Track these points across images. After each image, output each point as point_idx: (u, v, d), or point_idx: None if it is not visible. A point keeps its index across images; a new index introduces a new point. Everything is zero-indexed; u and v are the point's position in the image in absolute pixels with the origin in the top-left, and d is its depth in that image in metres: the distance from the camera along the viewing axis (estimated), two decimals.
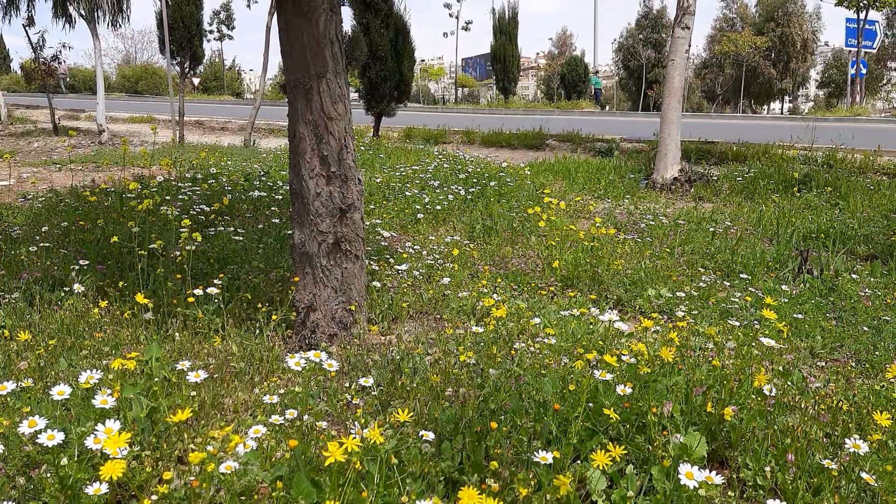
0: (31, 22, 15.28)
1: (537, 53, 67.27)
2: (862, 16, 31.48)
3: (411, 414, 2.32)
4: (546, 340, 3.15)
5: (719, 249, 5.63)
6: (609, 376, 2.44)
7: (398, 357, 3.17)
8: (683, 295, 4.45)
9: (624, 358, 2.64)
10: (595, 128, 14.84)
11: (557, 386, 2.58)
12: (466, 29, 42.26)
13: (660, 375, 2.63)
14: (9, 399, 2.33)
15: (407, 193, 7.44)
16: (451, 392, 2.78)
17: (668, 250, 5.57)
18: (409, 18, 13.48)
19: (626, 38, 42.96)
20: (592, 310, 3.75)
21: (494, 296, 4.21)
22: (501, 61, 35.01)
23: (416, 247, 5.39)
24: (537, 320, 3.57)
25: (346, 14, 14.32)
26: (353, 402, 2.60)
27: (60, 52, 16.91)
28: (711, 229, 6.33)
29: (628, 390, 2.41)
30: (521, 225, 6.31)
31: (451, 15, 39.67)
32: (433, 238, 5.92)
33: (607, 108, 35.77)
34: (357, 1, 12.68)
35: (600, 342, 3.18)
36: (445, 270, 4.80)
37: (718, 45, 41.46)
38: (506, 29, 34.76)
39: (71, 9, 14.54)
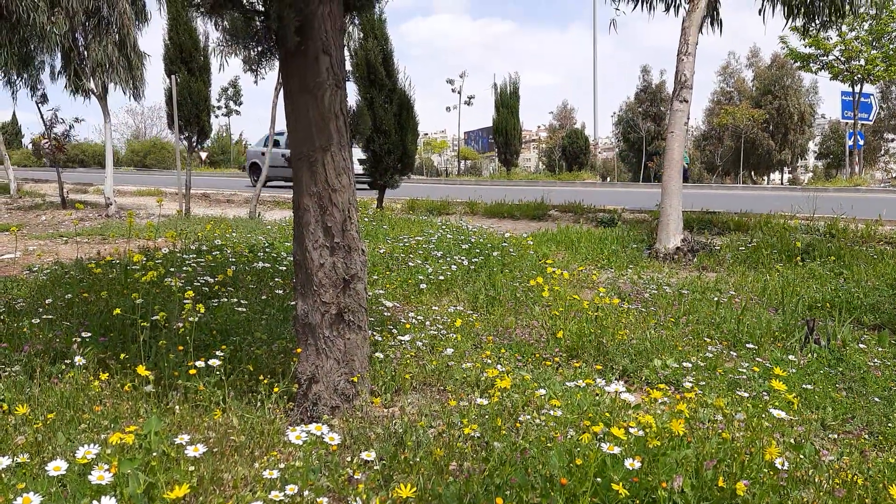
0: (44, 99, 15.68)
1: (538, 126, 68.59)
2: (857, 89, 32.21)
3: (414, 489, 2.26)
4: (552, 412, 3.10)
5: (724, 319, 5.60)
6: (617, 450, 2.39)
7: (401, 430, 3.12)
8: (690, 365, 4.39)
9: (632, 430, 2.58)
10: (597, 199, 14.99)
11: (564, 459, 2.52)
12: (469, 103, 43.28)
13: (669, 448, 2.58)
14: (3, 475, 2.28)
15: (410, 264, 7.46)
16: (455, 466, 2.72)
17: (672, 320, 5.53)
18: (412, 93, 13.80)
19: (626, 112, 43.92)
20: (598, 381, 3.70)
21: (499, 367, 4.17)
22: (503, 134, 35.66)
23: (419, 317, 5.36)
24: (542, 391, 3.52)
25: (351, 89, 14.70)
26: (355, 476, 2.54)
27: (72, 126, 17.28)
28: (716, 299, 6.30)
29: (637, 464, 2.36)
30: (525, 295, 6.29)
31: (453, 90, 40.73)
32: (436, 308, 5.90)
33: (608, 178, 36.20)
34: (362, 77, 13.01)
35: (607, 414, 3.13)
36: (449, 341, 4.77)
37: (717, 117, 42.30)
38: (507, 102, 35.55)
39: (86, 86, 14.92)
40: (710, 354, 4.65)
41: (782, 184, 43.79)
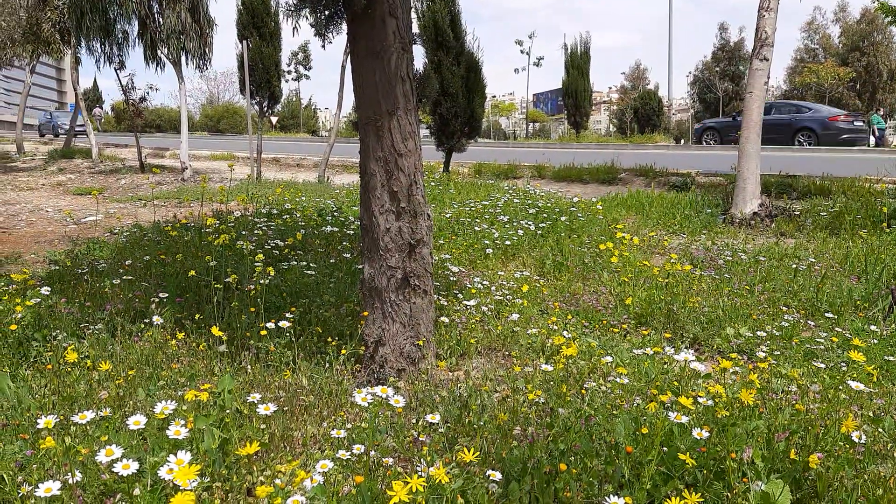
0: (122, 66, 16.16)
1: (609, 87, 67.00)
2: None
3: (478, 453, 2.27)
4: (618, 380, 3.06)
5: (803, 287, 5.39)
6: (685, 419, 2.34)
7: (466, 394, 3.14)
8: (764, 334, 4.26)
9: (700, 400, 2.53)
10: (670, 162, 14.58)
11: (630, 427, 2.49)
12: (538, 65, 42.50)
13: (739, 419, 2.51)
14: (88, 428, 2.40)
15: (476, 228, 7.45)
16: (519, 431, 2.72)
17: (747, 287, 5.37)
18: (480, 56, 13.63)
19: (702, 71, 42.34)
20: (667, 349, 3.63)
21: (565, 333, 4.13)
22: (573, 96, 34.96)
23: (484, 282, 5.36)
24: (609, 359, 3.48)
25: (419, 52, 14.63)
26: (420, 438, 2.58)
27: (148, 92, 17.79)
28: (794, 266, 6.07)
29: (705, 434, 2.30)
30: (593, 261, 6.20)
31: (522, 51, 40.06)
32: (502, 273, 5.88)
33: (682, 141, 35.13)
34: (430, 40, 12.92)
35: (675, 383, 3.07)
36: (514, 306, 4.75)
37: (799, 76, 40.42)
38: (578, 63, 34.77)
39: (160, 53, 15.33)
40: (787, 323, 4.50)
41: (868, 146, 41.67)
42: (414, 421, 2.88)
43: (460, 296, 4.86)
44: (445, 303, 4.62)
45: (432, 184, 11.28)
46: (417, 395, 3.25)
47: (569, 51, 34.93)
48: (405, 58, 3.48)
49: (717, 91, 38.58)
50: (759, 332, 4.28)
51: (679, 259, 5.85)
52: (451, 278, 5.48)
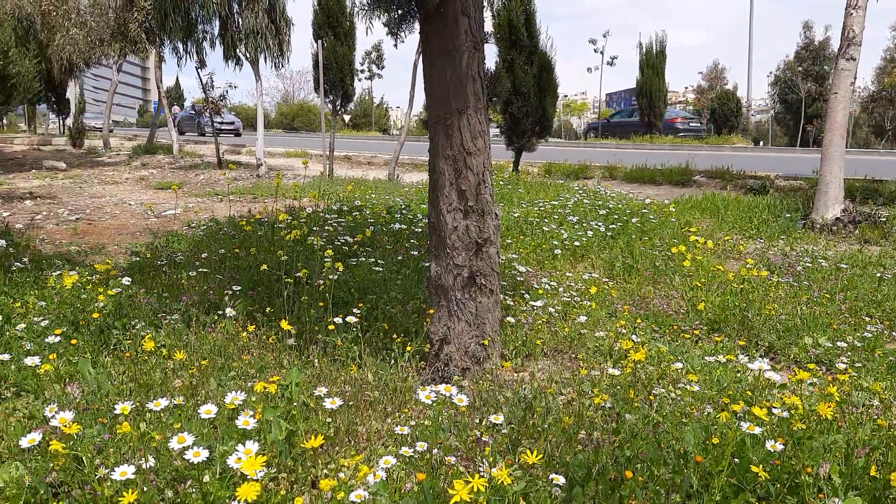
0: (202, 64, 16.71)
1: (686, 87, 65.43)
2: None
3: (541, 456, 2.25)
4: (688, 387, 2.98)
5: (887, 297, 5.14)
6: (758, 430, 2.26)
7: (530, 395, 3.11)
8: (845, 345, 4.08)
9: (775, 411, 2.43)
10: (747, 164, 14.12)
11: (700, 437, 2.42)
12: (611, 64, 41.66)
13: (816, 432, 2.40)
14: (162, 415, 2.48)
15: (545, 228, 7.38)
16: (584, 435, 2.68)
17: (827, 296, 5.15)
18: (553, 55, 13.50)
19: (784, 71, 40.88)
20: (741, 357, 3.51)
21: (633, 337, 4.05)
22: (647, 96, 34.24)
23: (552, 283, 5.30)
24: (679, 365, 3.39)
25: (490, 51, 14.60)
26: (483, 439, 2.57)
27: (227, 91, 18.33)
28: (878, 274, 5.79)
29: (779, 447, 2.22)
30: (665, 264, 6.06)
31: (596, 50, 39.41)
32: (570, 274, 5.81)
33: (761, 143, 34.05)
34: (503, 38, 12.89)
35: (748, 392, 2.96)
36: (582, 308, 4.69)
37: (888, 76, 38.56)
38: (653, 63, 34.03)
39: (238, 52, 15.77)
40: (869, 334, 4.29)
41: None
42: (477, 421, 2.87)
43: (527, 296, 4.83)
44: (512, 303, 4.59)
45: (501, 183, 11.24)
46: (481, 395, 3.24)
47: (643, 50, 34.20)
48: (476, 57, 3.47)
49: (800, 92, 37.16)
50: (839, 343, 4.10)
51: (755, 264, 5.66)
52: (518, 278, 5.45)
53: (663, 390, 3.03)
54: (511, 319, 4.26)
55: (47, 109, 32.31)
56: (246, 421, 2.18)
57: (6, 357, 3.24)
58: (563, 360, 4.02)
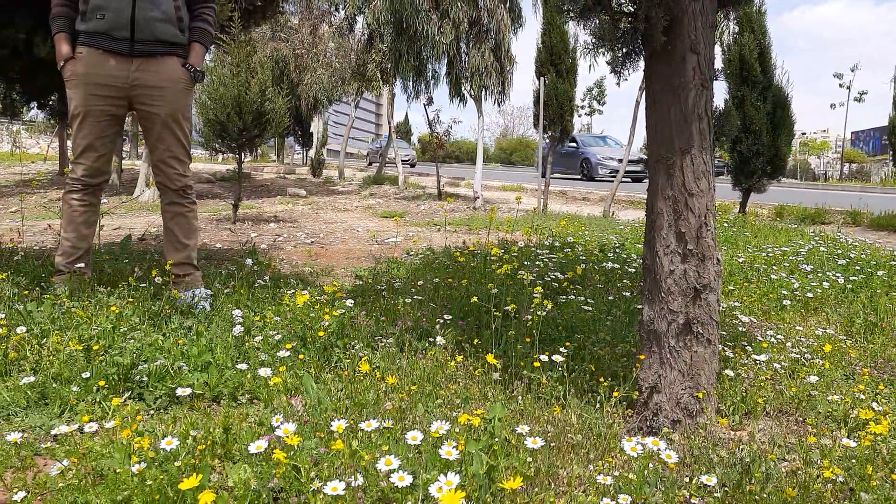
0: (430, 101, 17.70)
1: None
2: None
3: None
4: None
5: None
6: None
7: (748, 458, 2.85)
8: None
9: None
10: None
11: None
12: (859, 100, 38.06)
13: None
14: (373, 435, 2.60)
15: (773, 276, 6.82)
16: None
17: None
18: (790, 90, 12.60)
19: None
20: None
21: (874, 405, 3.59)
22: None
23: (778, 336, 4.87)
24: None
25: (720, 87, 13.94)
26: (692, 501, 2.39)
27: (451, 126, 19.24)
28: None
29: None
30: None
31: (841, 85, 36.24)
32: (800, 328, 5.30)
33: None
34: (733, 74, 12.27)
35: None
36: (813, 367, 4.25)
37: None
38: None
39: (463, 90, 16.50)
40: None
41: None
42: (686, 479, 2.69)
43: (749, 348, 4.47)
44: (731, 354, 4.28)
45: (725, 225, 10.62)
46: (692, 452, 3.03)
47: None
48: (704, 94, 3.32)
49: None
50: None
51: None
52: (740, 328, 5.07)
53: None
54: (730, 373, 3.96)
55: (293, 142, 36.05)
56: (449, 451, 2.22)
57: (244, 366, 3.59)
58: (787, 422, 3.66)
